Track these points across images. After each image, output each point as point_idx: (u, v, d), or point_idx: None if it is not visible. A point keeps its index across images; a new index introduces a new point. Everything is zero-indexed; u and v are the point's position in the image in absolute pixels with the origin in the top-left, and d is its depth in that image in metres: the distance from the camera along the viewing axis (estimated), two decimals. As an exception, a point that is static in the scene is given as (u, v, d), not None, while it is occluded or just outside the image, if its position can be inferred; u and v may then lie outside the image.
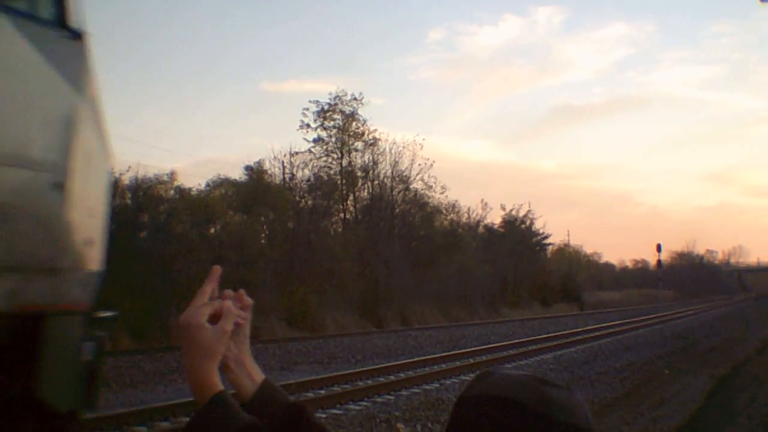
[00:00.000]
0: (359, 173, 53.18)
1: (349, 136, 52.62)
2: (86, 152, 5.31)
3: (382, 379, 19.92)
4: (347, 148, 52.59)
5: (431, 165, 55.22)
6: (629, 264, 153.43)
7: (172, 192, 36.35)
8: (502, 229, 70.02)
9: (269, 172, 46.71)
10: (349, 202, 53.11)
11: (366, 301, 44.59)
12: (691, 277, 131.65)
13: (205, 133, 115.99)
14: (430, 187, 56.05)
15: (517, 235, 70.16)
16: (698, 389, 19.39)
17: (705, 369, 23.57)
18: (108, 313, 5.96)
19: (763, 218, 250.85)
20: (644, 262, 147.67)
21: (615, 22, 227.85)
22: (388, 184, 54.10)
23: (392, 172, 54.04)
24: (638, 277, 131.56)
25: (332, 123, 52.30)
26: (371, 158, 53.47)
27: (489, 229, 68.68)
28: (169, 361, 23.05)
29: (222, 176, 43.17)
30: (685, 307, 77.36)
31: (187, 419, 9.66)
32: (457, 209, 62.41)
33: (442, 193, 57.43)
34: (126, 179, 33.49)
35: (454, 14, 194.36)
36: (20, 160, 4.57)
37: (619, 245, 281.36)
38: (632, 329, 42.19)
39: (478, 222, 66.90)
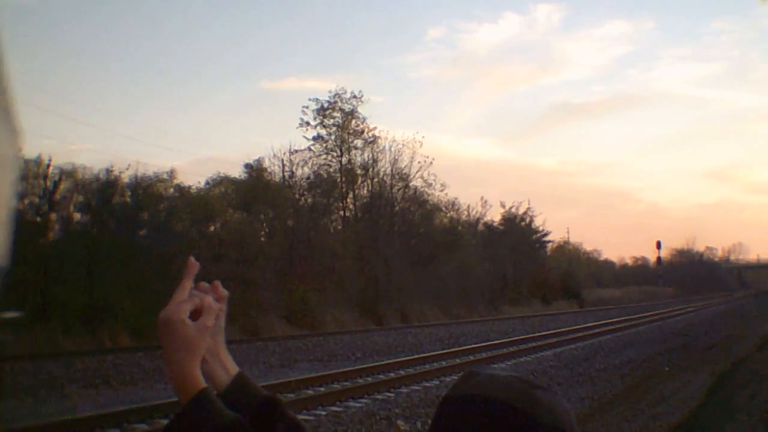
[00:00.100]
0: (359, 171, 53.19)
1: (348, 134, 52.64)
2: None
3: (382, 376, 19.91)
4: (347, 146, 52.61)
5: (431, 163, 55.27)
6: (629, 261, 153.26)
7: (171, 190, 36.37)
8: (501, 227, 70.03)
9: (269, 170, 46.80)
10: (348, 200, 53.12)
11: (366, 299, 44.59)
12: (691, 275, 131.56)
13: (204, 131, 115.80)
14: (430, 184, 56.14)
15: (516, 233, 70.17)
16: (698, 386, 19.38)
17: (705, 366, 23.58)
18: (10, 314, 5.60)
19: (763, 215, 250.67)
20: (644, 259, 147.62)
21: (614, 20, 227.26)
22: (388, 182, 54.12)
23: (392, 170, 54.11)
24: (638, 274, 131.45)
25: (332, 121, 52.37)
26: (371, 156, 53.55)
27: (489, 226, 68.71)
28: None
29: (222, 174, 43.19)
30: (685, 304, 77.34)
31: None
32: (456, 207, 62.48)
33: (441, 190, 57.50)
34: (125, 177, 33.53)
35: (454, 12, 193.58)
36: None
37: (618, 243, 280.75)
38: (632, 326, 42.20)
39: (478, 219, 66.96)
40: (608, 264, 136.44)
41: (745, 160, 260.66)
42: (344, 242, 45.55)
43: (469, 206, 65.72)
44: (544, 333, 35.31)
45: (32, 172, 31.04)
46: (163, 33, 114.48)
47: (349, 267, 44.34)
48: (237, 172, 45.36)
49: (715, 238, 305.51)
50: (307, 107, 52.21)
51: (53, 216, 31.53)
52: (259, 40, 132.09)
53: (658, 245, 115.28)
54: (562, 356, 26.19)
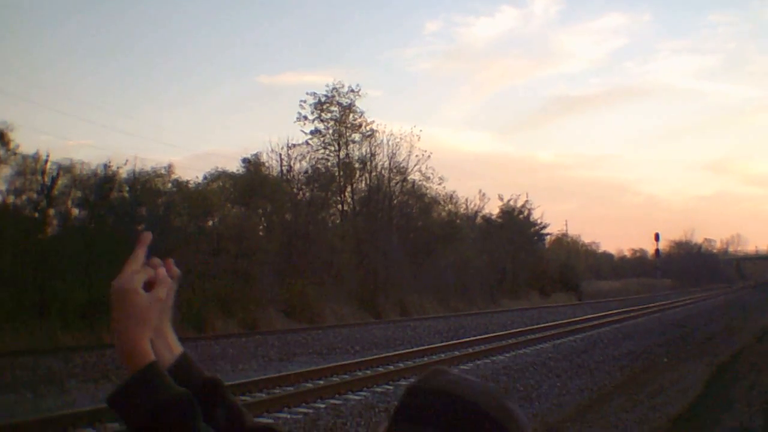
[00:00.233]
0: (357, 165, 53.12)
1: (346, 128, 52.58)
2: None
3: (381, 369, 19.93)
4: (345, 140, 52.54)
5: (429, 156, 55.17)
6: (627, 253, 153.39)
7: (169, 185, 36.35)
8: (500, 220, 70.01)
9: (267, 164, 46.78)
10: (346, 194, 53.08)
11: (364, 292, 44.60)
12: (690, 266, 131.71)
13: (202, 126, 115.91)
14: (428, 178, 56.02)
15: (515, 226, 70.15)
16: (697, 377, 19.42)
17: (704, 357, 23.62)
18: None
19: (762, 207, 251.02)
20: (642, 251, 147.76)
21: (611, 13, 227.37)
22: (386, 176, 54.05)
23: (390, 164, 54.04)
24: (636, 266, 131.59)
25: (329, 115, 52.29)
26: (369, 150, 53.46)
27: (487, 219, 68.70)
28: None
29: (219, 169, 43.17)
30: (683, 296, 77.45)
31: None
32: (454, 200, 62.46)
33: (439, 184, 57.39)
34: (123, 173, 33.52)
35: (451, 6, 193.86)
36: None
37: (617, 235, 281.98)
38: (631, 318, 42.25)
39: (476, 212, 66.97)
40: (606, 256, 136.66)
41: (743, 151, 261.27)
42: (342, 236, 45.56)
43: (467, 199, 65.80)
44: (542, 325, 35.37)
45: (30, 168, 31.02)
46: (160, 29, 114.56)
47: (347, 261, 44.34)
48: (235, 166, 45.38)
49: (714, 230, 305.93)
50: (304, 101, 52.19)
51: (51, 212, 31.51)
52: (257, 35, 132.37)
53: (657, 237, 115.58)
54: (560, 348, 26.24)
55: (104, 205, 32.18)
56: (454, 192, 62.02)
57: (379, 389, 16.86)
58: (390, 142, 53.81)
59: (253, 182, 42.19)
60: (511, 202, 71.40)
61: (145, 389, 1.50)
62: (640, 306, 54.86)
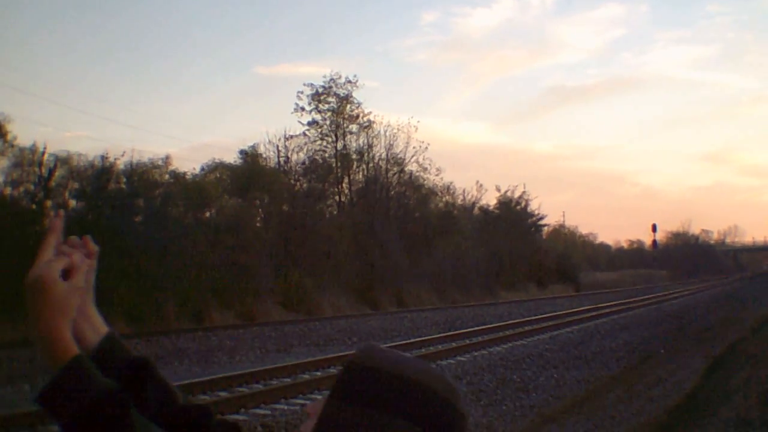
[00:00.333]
0: (354, 156, 53.16)
1: (343, 119, 52.62)
2: None
3: (378, 360, 19.88)
4: (342, 131, 52.59)
5: (426, 147, 55.27)
6: (624, 244, 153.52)
7: (167, 176, 36.31)
8: (497, 211, 70.01)
9: (264, 155, 46.81)
10: (344, 185, 53.10)
11: (362, 284, 44.60)
12: (687, 257, 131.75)
13: (199, 118, 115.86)
14: (425, 169, 56.13)
15: (512, 217, 70.17)
16: (694, 368, 19.43)
17: (701, 348, 23.63)
18: None
19: (759, 198, 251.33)
20: (639, 242, 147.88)
21: (608, 3, 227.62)
22: (383, 167, 54.12)
23: (387, 155, 54.11)
24: (634, 257, 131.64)
25: (327, 106, 52.34)
26: (366, 141, 53.55)
27: (484, 210, 68.71)
28: (165, 345, 23.08)
29: (217, 160, 43.17)
30: (680, 287, 77.48)
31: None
32: (452, 191, 62.45)
33: (437, 175, 57.49)
34: (121, 164, 33.49)
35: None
36: None
37: (614, 226, 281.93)
38: (628, 309, 42.25)
39: (474, 203, 66.98)
40: (604, 247, 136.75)
41: (740, 142, 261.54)
42: (340, 227, 45.54)
43: (464, 190, 65.81)
44: (539, 316, 35.37)
45: (27, 160, 31.01)
46: (158, 21, 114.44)
47: (344, 252, 44.32)
48: (232, 158, 45.36)
49: (711, 221, 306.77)
50: (302, 92, 52.23)
51: (49, 203, 31.47)
52: (253, 26, 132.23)
53: (654, 228, 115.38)
54: (558, 339, 26.26)
55: (101, 197, 32.14)
56: (451, 183, 62.04)
57: (376, 380, 16.82)
58: (387, 133, 53.96)
59: (250, 173, 42.16)
60: (509, 193, 71.47)
61: (72, 385, 1.44)
62: (638, 297, 54.87)
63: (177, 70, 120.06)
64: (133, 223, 32.87)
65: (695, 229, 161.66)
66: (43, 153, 31.25)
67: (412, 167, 55.56)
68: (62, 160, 31.74)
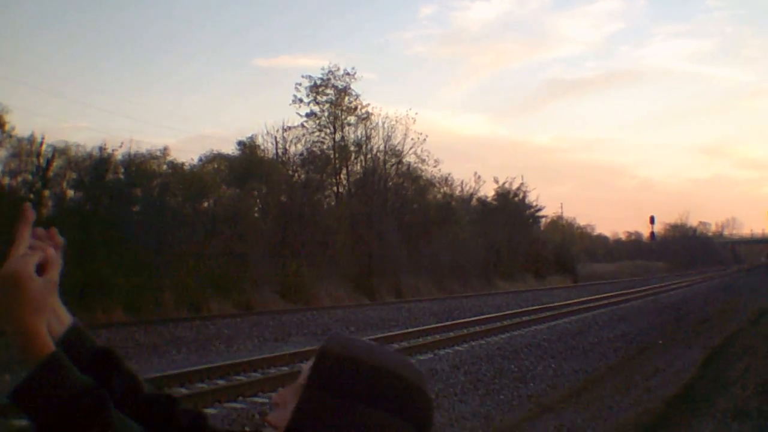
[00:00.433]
0: (352, 147, 53.13)
1: (341, 110, 52.57)
2: None
3: (375, 350, 19.88)
4: (340, 123, 52.54)
5: (424, 139, 55.24)
6: (623, 236, 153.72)
7: (165, 167, 36.29)
8: (495, 202, 69.98)
9: (262, 147, 46.77)
10: (342, 176, 53.07)
11: (359, 274, 44.60)
12: (685, 249, 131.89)
13: (197, 109, 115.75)
14: (423, 160, 56.09)
15: (510, 208, 70.13)
16: (692, 359, 19.43)
17: (699, 339, 23.64)
18: None
19: (756, 190, 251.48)
20: (637, 234, 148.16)
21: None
22: (381, 158, 54.10)
23: (385, 147, 54.11)
24: (632, 248, 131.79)
25: (325, 98, 52.29)
26: (364, 132, 53.50)
27: (482, 201, 68.68)
28: (163, 333, 23.07)
29: (215, 151, 43.16)
30: (678, 279, 77.54)
31: (182, 390, 9.61)
32: (450, 182, 62.39)
33: (435, 166, 57.46)
34: (119, 155, 33.49)
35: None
36: None
37: (612, 217, 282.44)
38: (626, 300, 42.29)
39: (472, 195, 66.97)
40: (602, 239, 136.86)
41: (739, 135, 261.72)
42: (338, 217, 45.53)
43: (462, 182, 65.82)
44: (537, 307, 35.39)
45: (25, 150, 31.00)
46: (156, 13, 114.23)
47: (342, 242, 44.33)
48: (230, 149, 45.35)
49: (709, 213, 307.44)
50: (300, 84, 52.17)
51: (47, 193, 31.48)
52: (253, 19, 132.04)
53: (652, 220, 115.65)
54: (555, 330, 26.27)
55: (99, 187, 32.12)
56: (449, 174, 61.98)
57: (373, 370, 16.82)
58: (385, 125, 53.98)
59: (248, 164, 42.16)
60: (507, 185, 71.43)
61: (49, 383, 1.40)
62: (635, 288, 54.93)
63: (175, 61, 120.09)
64: (131, 213, 32.87)
65: (693, 221, 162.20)
66: (41, 143, 31.27)
67: (410, 159, 55.64)
68: (60, 151, 31.76)
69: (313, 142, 51.23)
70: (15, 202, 29.30)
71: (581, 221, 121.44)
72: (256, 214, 41.28)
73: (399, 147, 54.55)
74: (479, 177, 68.92)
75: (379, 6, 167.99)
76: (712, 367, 18.16)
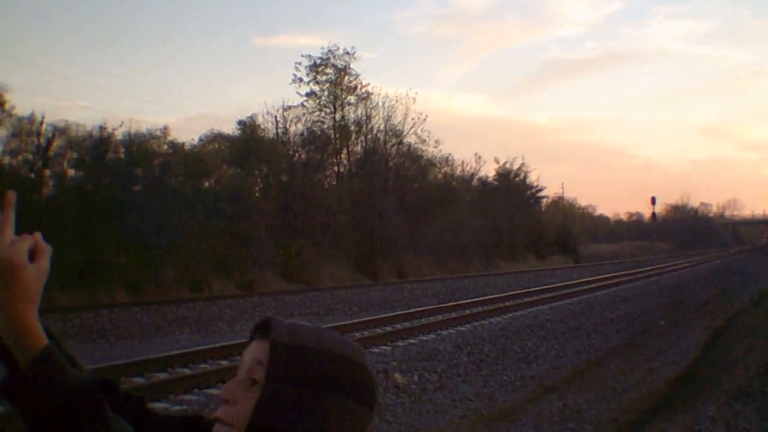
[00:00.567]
0: (352, 127, 53.04)
1: (341, 90, 52.45)
2: None
3: (378, 330, 19.92)
4: (340, 102, 52.42)
5: (424, 119, 55.18)
6: (624, 217, 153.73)
7: (165, 147, 36.21)
8: (496, 182, 69.87)
9: (262, 126, 46.63)
10: (342, 156, 52.99)
11: (361, 254, 44.62)
12: (686, 230, 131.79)
13: (197, 88, 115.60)
14: (424, 140, 56.05)
15: (511, 188, 70.02)
16: (694, 340, 19.44)
17: (701, 320, 23.64)
18: None
19: (758, 171, 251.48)
20: (638, 214, 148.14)
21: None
22: (382, 138, 54.03)
23: (385, 126, 54.02)
24: (633, 229, 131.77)
25: (325, 77, 52.15)
26: (364, 112, 53.38)
27: (483, 182, 68.57)
28: (165, 314, 23.10)
29: (215, 131, 43.05)
30: (680, 260, 77.52)
31: (185, 371, 9.55)
32: (451, 162, 62.28)
33: (435, 146, 57.40)
34: (119, 134, 33.45)
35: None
36: None
37: (613, 198, 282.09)
38: (628, 281, 42.26)
39: (472, 175, 66.81)
40: (603, 219, 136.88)
41: (739, 116, 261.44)
42: (339, 197, 45.49)
43: (463, 162, 65.69)
44: (539, 288, 35.35)
45: (26, 130, 30.95)
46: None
47: (344, 222, 44.32)
48: (230, 128, 45.24)
49: (710, 194, 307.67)
50: (300, 63, 52.01)
51: (47, 172, 31.45)
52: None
53: (653, 201, 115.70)
54: (558, 310, 26.24)
55: (100, 167, 32.09)
56: (450, 155, 61.88)
57: (376, 350, 16.84)
58: (385, 105, 53.89)
59: (248, 144, 42.06)
60: (508, 165, 71.25)
61: (44, 378, 1.35)
62: (637, 269, 54.89)
63: (175, 40, 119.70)
64: (132, 192, 32.83)
65: (694, 202, 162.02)
66: (42, 123, 31.21)
67: (410, 139, 55.57)
68: (61, 130, 31.71)
69: (314, 121, 51.18)
70: (16, 181, 29.30)
71: (582, 202, 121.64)
72: (257, 194, 41.24)
73: (399, 127, 54.56)
74: (480, 157, 68.83)
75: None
76: (715, 348, 18.18)
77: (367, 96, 53.15)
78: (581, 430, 10.66)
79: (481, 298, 29.22)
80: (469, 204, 61.96)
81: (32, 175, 30.74)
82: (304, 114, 50.65)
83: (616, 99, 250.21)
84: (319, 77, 51.98)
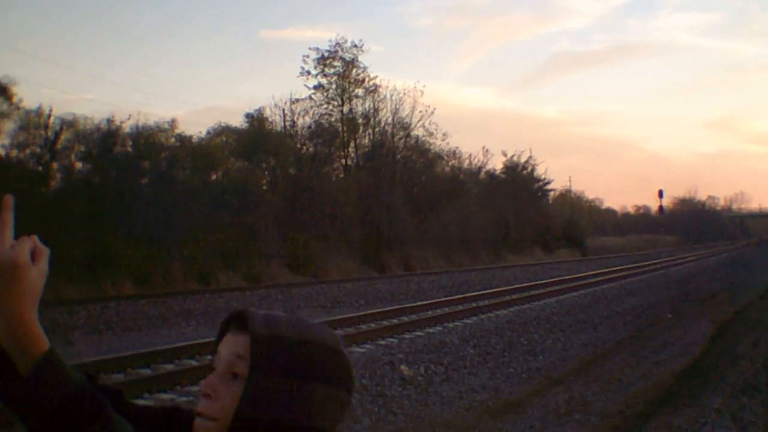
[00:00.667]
0: (360, 120, 53.05)
1: (349, 83, 52.45)
2: None
3: (385, 322, 19.93)
4: (348, 95, 52.44)
5: (432, 112, 55.15)
6: (631, 210, 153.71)
7: (172, 140, 36.24)
8: (503, 175, 69.83)
9: (270, 119, 46.67)
10: (350, 149, 53.03)
11: (368, 247, 44.62)
12: (693, 223, 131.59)
13: (205, 81, 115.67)
14: (432, 133, 56.05)
15: (518, 181, 69.98)
16: (701, 333, 19.42)
17: (708, 314, 23.61)
18: None
19: (765, 165, 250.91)
20: (646, 207, 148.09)
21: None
22: (390, 131, 54.04)
23: (393, 119, 54.07)
24: (640, 222, 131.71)
25: (332, 70, 52.17)
26: (372, 105, 53.41)
27: (491, 175, 68.54)
28: (172, 306, 23.14)
29: (223, 124, 43.10)
30: (687, 253, 77.43)
31: (191, 362, 9.58)
32: (458, 155, 62.27)
33: (443, 139, 57.42)
34: (126, 127, 33.48)
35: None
36: None
37: (620, 191, 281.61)
38: (635, 274, 42.21)
39: (480, 168, 66.77)
40: (610, 212, 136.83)
41: (746, 110, 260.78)
42: (346, 190, 45.49)
43: (470, 155, 65.65)
44: (546, 281, 35.33)
45: (33, 123, 30.99)
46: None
47: (351, 215, 44.32)
48: (238, 121, 45.27)
49: (717, 188, 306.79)
50: (307, 56, 52.04)
51: (55, 165, 31.50)
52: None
53: (660, 194, 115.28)
54: (564, 303, 26.23)
55: (108, 159, 32.13)
56: (457, 148, 61.85)
57: (383, 342, 16.86)
58: (393, 98, 53.87)
59: (256, 137, 42.08)
60: (515, 158, 71.21)
61: (47, 382, 1.34)
62: (644, 262, 54.81)
63: (183, 33, 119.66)
64: (140, 185, 32.86)
65: (702, 196, 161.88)
66: (49, 116, 31.25)
67: (418, 132, 55.59)
68: (68, 123, 31.74)
69: (321, 114, 51.24)
70: (23, 174, 29.38)
71: (590, 195, 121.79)
72: (264, 187, 41.26)
73: (407, 120, 54.58)
74: (487, 150, 68.80)
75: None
76: (721, 342, 18.16)
77: (375, 89, 53.25)
78: (587, 422, 10.67)
79: (487, 291, 29.21)
80: (476, 197, 61.92)
81: (40, 168, 30.79)
82: (311, 107, 50.77)
83: (624, 92, 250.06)
84: (326, 70, 52.06)
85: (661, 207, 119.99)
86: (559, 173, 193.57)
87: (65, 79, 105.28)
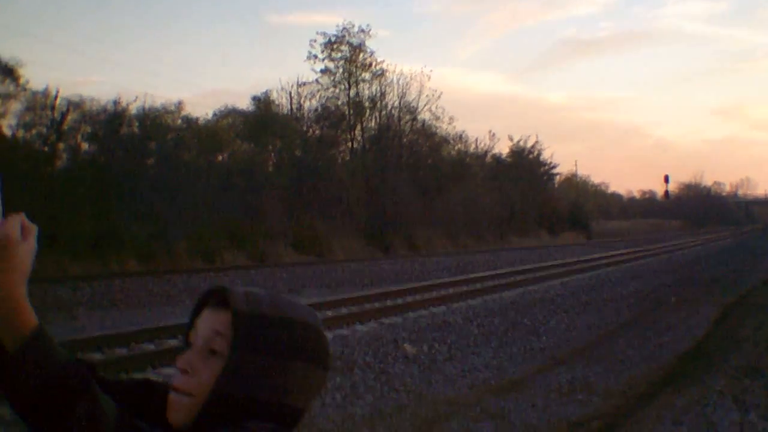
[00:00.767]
0: (367, 104, 52.94)
1: (356, 67, 52.32)
2: None
3: (389, 302, 19.97)
4: (354, 79, 52.31)
5: (439, 96, 55.09)
6: (637, 194, 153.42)
7: (179, 121, 36.30)
8: (509, 159, 69.77)
9: (276, 102, 46.66)
10: (356, 132, 52.95)
11: (373, 228, 44.63)
12: (699, 208, 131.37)
13: (212, 64, 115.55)
14: (438, 117, 55.99)
15: (524, 165, 69.89)
16: (705, 317, 19.41)
17: (711, 297, 23.59)
18: None
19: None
20: (651, 192, 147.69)
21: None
22: (396, 115, 53.97)
23: (400, 103, 53.98)
24: (646, 207, 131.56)
25: (339, 54, 52.02)
26: (379, 89, 53.30)
27: (497, 158, 68.47)
28: (176, 283, 23.21)
29: (229, 106, 43.10)
30: (692, 238, 77.32)
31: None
32: (464, 139, 62.20)
33: (449, 123, 57.33)
34: (133, 109, 33.53)
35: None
36: None
37: (626, 176, 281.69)
38: (639, 258, 42.20)
39: (486, 152, 66.69)
40: (616, 196, 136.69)
41: (753, 97, 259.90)
42: (352, 172, 45.49)
43: (476, 139, 65.53)
44: (551, 263, 35.32)
45: (40, 104, 31.06)
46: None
47: (356, 196, 44.33)
48: (245, 104, 45.27)
49: (723, 173, 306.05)
50: (315, 41, 51.94)
51: (61, 146, 31.58)
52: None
53: (666, 179, 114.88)
54: (568, 285, 26.25)
55: (114, 140, 32.18)
56: (463, 132, 61.94)
57: (387, 321, 16.91)
58: (400, 82, 53.80)
59: (262, 119, 42.10)
60: (521, 143, 71.09)
61: (36, 360, 1.34)
62: (649, 246, 54.76)
63: (191, 16, 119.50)
64: (146, 165, 32.92)
65: (707, 181, 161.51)
66: (56, 97, 31.30)
67: (424, 116, 55.53)
68: (75, 105, 31.81)
69: (328, 98, 51.13)
70: (30, 154, 29.44)
71: (595, 179, 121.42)
72: (270, 168, 41.28)
73: (414, 104, 54.50)
74: (494, 135, 68.81)
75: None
76: (725, 325, 18.15)
77: (382, 73, 53.11)
78: (589, 401, 10.69)
79: (492, 273, 29.24)
80: (482, 180, 61.84)
81: (46, 149, 30.85)
82: (318, 90, 50.66)
83: (631, 78, 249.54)
84: (333, 54, 51.91)
85: (666, 192, 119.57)
86: (565, 158, 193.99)
87: (73, 62, 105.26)
